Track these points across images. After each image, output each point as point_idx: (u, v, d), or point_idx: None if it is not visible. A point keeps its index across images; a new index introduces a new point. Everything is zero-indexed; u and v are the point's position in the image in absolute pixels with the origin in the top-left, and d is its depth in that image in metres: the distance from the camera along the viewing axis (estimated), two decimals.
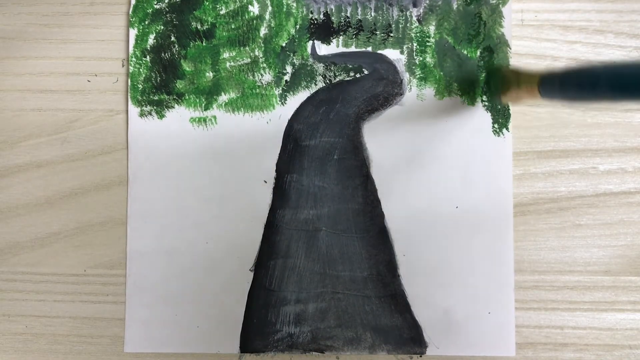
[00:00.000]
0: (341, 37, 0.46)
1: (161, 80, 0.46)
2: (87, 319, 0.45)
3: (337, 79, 0.46)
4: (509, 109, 0.45)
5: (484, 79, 0.46)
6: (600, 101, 0.39)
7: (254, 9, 0.46)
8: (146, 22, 0.46)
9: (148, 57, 0.46)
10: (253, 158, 0.45)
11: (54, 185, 0.46)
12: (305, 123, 0.46)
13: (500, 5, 0.46)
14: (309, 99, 0.46)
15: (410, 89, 0.46)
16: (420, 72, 0.46)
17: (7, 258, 0.46)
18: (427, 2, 0.46)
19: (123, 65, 0.46)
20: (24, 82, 0.46)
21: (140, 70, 0.46)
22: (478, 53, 0.46)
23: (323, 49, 0.46)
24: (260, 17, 0.46)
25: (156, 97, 0.46)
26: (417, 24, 0.46)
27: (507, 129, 0.45)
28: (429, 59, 0.46)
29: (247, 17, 0.46)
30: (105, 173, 0.46)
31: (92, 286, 0.45)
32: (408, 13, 0.46)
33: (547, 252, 0.45)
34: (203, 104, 0.46)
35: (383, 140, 0.45)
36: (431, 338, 0.44)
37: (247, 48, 0.46)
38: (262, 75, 0.46)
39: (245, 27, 0.46)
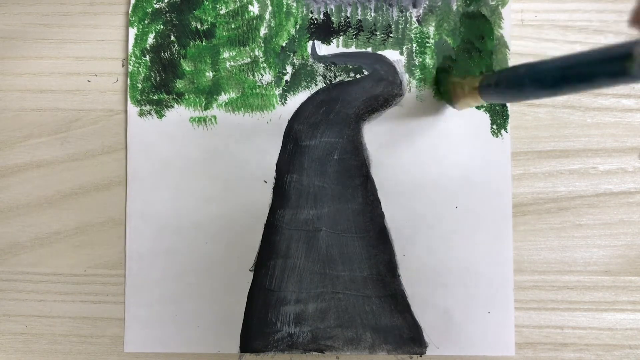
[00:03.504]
0: (341, 37, 0.46)
1: (161, 80, 0.46)
2: (87, 319, 0.45)
3: (337, 80, 0.46)
4: (507, 110, 0.45)
5: (436, 87, 0.46)
6: (528, 98, 0.40)
7: (254, 9, 0.46)
8: (146, 22, 0.46)
9: (148, 56, 0.46)
10: (253, 158, 0.45)
11: (54, 185, 0.46)
12: (305, 123, 0.46)
13: (500, 7, 0.46)
14: (309, 99, 0.46)
15: (410, 89, 0.46)
16: (419, 73, 0.46)
17: (7, 258, 0.46)
18: (427, 3, 0.46)
19: (123, 65, 0.46)
20: (24, 82, 0.47)
21: (140, 69, 0.46)
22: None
23: (323, 49, 0.46)
24: (260, 17, 0.46)
25: (156, 97, 0.46)
26: (416, 24, 0.46)
27: (505, 130, 0.45)
28: (428, 60, 0.46)
29: (247, 17, 0.46)
30: (105, 173, 0.46)
31: (92, 286, 0.45)
32: (408, 14, 0.46)
33: (547, 252, 0.45)
34: (203, 104, 0.46)
35: (383, 140, 0.45)
36: (431, 338, 0.44)
37: (247, 48, 0.46)
38: (262, 75, 0.46)
39: (245, 27, 0.46)
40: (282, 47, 0.46)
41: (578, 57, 0.30)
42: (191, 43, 0.46)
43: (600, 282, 0.45)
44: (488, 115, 0.45)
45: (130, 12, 0.46)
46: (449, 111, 0.45)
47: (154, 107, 0.46)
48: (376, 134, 0.46)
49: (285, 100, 0.46)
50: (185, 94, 0.46)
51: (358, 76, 0.46)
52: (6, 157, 0.46)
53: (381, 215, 0.45)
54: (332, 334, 0.44)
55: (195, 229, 0.45)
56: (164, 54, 0.46)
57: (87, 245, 0.46)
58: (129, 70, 0.46)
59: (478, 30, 0.46)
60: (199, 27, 0.46)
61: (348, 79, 0.46)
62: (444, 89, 0.45)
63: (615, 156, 0.45)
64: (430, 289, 0.45)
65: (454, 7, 0.46)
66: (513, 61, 0.46)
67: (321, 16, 0.46)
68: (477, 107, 0.46)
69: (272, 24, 0.46)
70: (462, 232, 0.45)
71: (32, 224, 0.46)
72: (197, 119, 0.46)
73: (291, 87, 0.46)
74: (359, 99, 0.46)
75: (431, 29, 0.46)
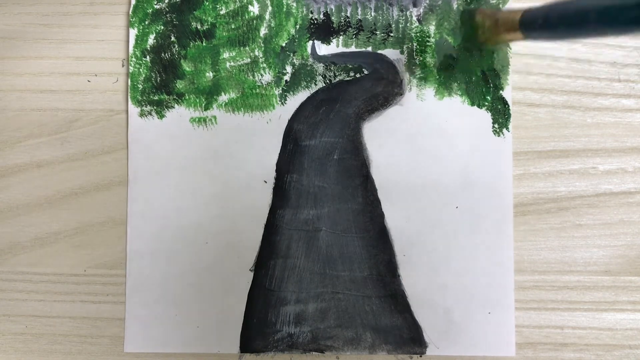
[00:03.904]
0: (341, 37, 0.46)
1: (161, 80, 0.46)
2: (87, 319, 0.45)
3: (337, 79, 0.46)
4: (509, 109, 0.45)
5: (461, 25, 0.45)
6: (588, 36, 0.38)
7: (254, 9, 0.46)
8: (146, 22, 0.46)
9: (148, 57, 0.46)
10: (253, 158, 0.45)
11: (54, 185, 0.46)
12: (305, 123, 0.46)
13: (501, 5, 0.45)
14: (309, 99, 0.46)
15: (410, 89, 0.46)
16: (420, 72, 0.46)
17: (7, 258, 0.46)
18: (427, 2, 0.46)
19: (123, 65, 0.46)
20: (24, 82, 0.46)
21: (140, 70, 0.46)
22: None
23: (323, 49, 0.46)
24: (260, 17, 0.46)
25: (156, 97, 0.46)
26: (417, 23, 0.46)
27: (507, 128, 0.45)
28: (429, 59, 0.46)
29: (247, 17, 0.46)
30: (105, 173, 0.46)
31: (92, 286, 0.45)
32: (408, 13, 0.46)
33: (547, 252, 0.45)
34: (203, 104, 0.46)
35: (383, 140, 0.45)
36: (431, 338, 0.44)
37: (247, 48, 0.46)
38: (262, 75, 0.46)
39: (245, 27, 0.46)
40: (282, 47, 0.46)
41: None
42: (191, 43, 0.46)
43: (600, 282, 0.45)
44: (489, 114, 0.45)
45: (130, 12, 0.46)
46: (450, 110, 0.45)
47: (155, 107, 0.46)
48: (376, 134, 0.45)
49: (285, 100, 0.46)
50: (186, 95, 0.46)
51: (358, 75, 0.46)
52: (6, 157, 0.46)
53: (381, 215, 0.45)
54: (332, 334, 0.44)
55: (195, 229, 0.45)
56: (165, 54, 0.46)
57: (87, 245, 0.46)
58: (130, 71, 0.46)
59: None
60: (199, 27, 0.46)
61: (348, 79, 0.46)
62: (468, 25, 0.42)
63: (615, 156, 0.45)
64: (430, 289, 0.45)
65: (455, 6, 0.46)
66: (513, 61, 0.46)
67: (321, 16, 0.46)
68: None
69: (272, 24, 0.46)
70: (462, 232, 0.45)
71: (32, 224, 0.46)
72: (197, 119, 0.46)
73: (291, 87, 0.46)
74: (359, 98, 0.46)
75: (432, 28, 0.46)
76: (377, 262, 0.45)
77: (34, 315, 0.45)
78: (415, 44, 0.46)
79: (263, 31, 0.46)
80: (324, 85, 0.46)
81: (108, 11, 0.47)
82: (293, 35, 0.46)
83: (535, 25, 0.34)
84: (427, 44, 0.46)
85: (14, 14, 0.47)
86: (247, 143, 0.45)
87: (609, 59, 0.46)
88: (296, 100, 0.46)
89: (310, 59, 0.46)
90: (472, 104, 0.45)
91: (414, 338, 0.44)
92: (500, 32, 0.38)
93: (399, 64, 0.46)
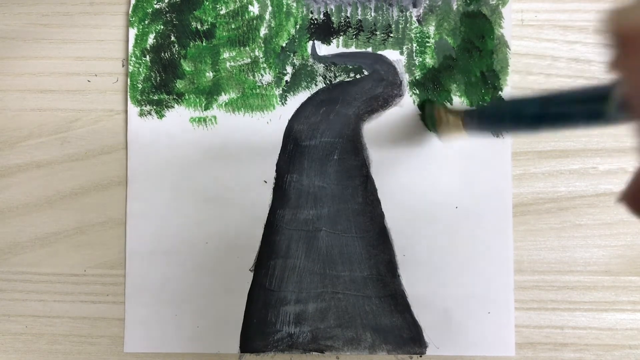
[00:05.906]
0: (341, 38, 0.46)
1: (161, 80, 0.46)
2: (87, 319, 0.45)
3: (337, 80, 0.46)
4: None
5: (421, 117, 0.46)
6: (510, 133, 0.44)
7: (254, 9, 0.46)
8: (146, 22, 0.46)
9: (148, 56, 0.46)
10: (253, 158, 0.45)
11: (54, 185, 0.46)
12: (305, 123, 0.46)
13: (500, 6, 0.46)
14: (309, 99, 0.46)
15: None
16: (419, 73, 0.46)
17: (7, 258, 0.46)
18: (427, 2, 0.46)
19: (123, 65, 0.46)
20: (24, 82, 0.46)
21: (140, 70, 0.46)
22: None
23: (323, 49, 0.46)
24: (260, 17, 0.46)
25: (156, 97, 0.46)
26: (417, 24, 0.46)
27: None
28: (428, 60, 0.46)
29: (247, 17, 0.46)
30: (105, 173, 0.46)
31: (92, 286, 0.45)
32: (408, 13, 0.46)
33: (547, 252, 0.45)
34: (203, 104, 0.46)
35: (383, 140, 0.45)
36: (431, 338, 0.44)
37: (247, 48, 0.46)
38: (262, 75, 0.46)
39: (245, 27, 0.46)
40: (282, 47, 0.46)
41: (558, 96, 0.30)
42: (191, 43, 0.46)
43: (600, 282, 0.45)
44: None
45: (130, 12, 0.46)
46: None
47: (154, 107, 0.46)
48: (376, 134, 0.46)
49: (285, 100, 0.46)
50: (186, 94, 0.46)
51: (358, 76, 0.46)
52: (6, 157, 0.46)
53: (381, 215, 0.45)
54: (332, 334, 0.44)
55: (195, 229, 0.45)
56: (164, 54, 0.46)
57: (87, 245, 0.46)
58: (130, 70, 0.46)
59: (478, 29, 0.46)
60: (199, 27, 0.46)
61: (348, 79, 0.46)
62: (429, 114, 0.44)
63: (615, 156, 0.45)
64: (430, 289, 0.45)
65: (454, 7, 0.46)
66: (513, 61, 0.46)
67: (321, 16, 0.46)
68: None
69: (272, 24, 0.46)
70: (462, 232, 0.45)
71: (32, 224, 0.46)
72: (197, 119, 0.46)
73: (291, 87, 0.46)
74: (359, 99, 0.46)
75: (431, 29, 0.46)
76: (377, 262, 0.45)
77: (34, 315, 0.45)
78: (415, 45, 0.46)
79: (263, 31, 0.46)
80: (324, 85, 0.46)
81: (108, 11, 0.47)
82: (293, 36, 0.46)
83: (472, 123, 0.39)
84: (427, 44, 0.46)
85: (14, 14, 0.47)
86: (247, 143, 0.45)
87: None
88: (296, 100, 0.46)
89: (311, 59, 0.46)
90: (471, 105, 0.45)
91: (413, 338, 0.44)
92: (450, 126, 0.41)
93: (399, 65, 0.46)
